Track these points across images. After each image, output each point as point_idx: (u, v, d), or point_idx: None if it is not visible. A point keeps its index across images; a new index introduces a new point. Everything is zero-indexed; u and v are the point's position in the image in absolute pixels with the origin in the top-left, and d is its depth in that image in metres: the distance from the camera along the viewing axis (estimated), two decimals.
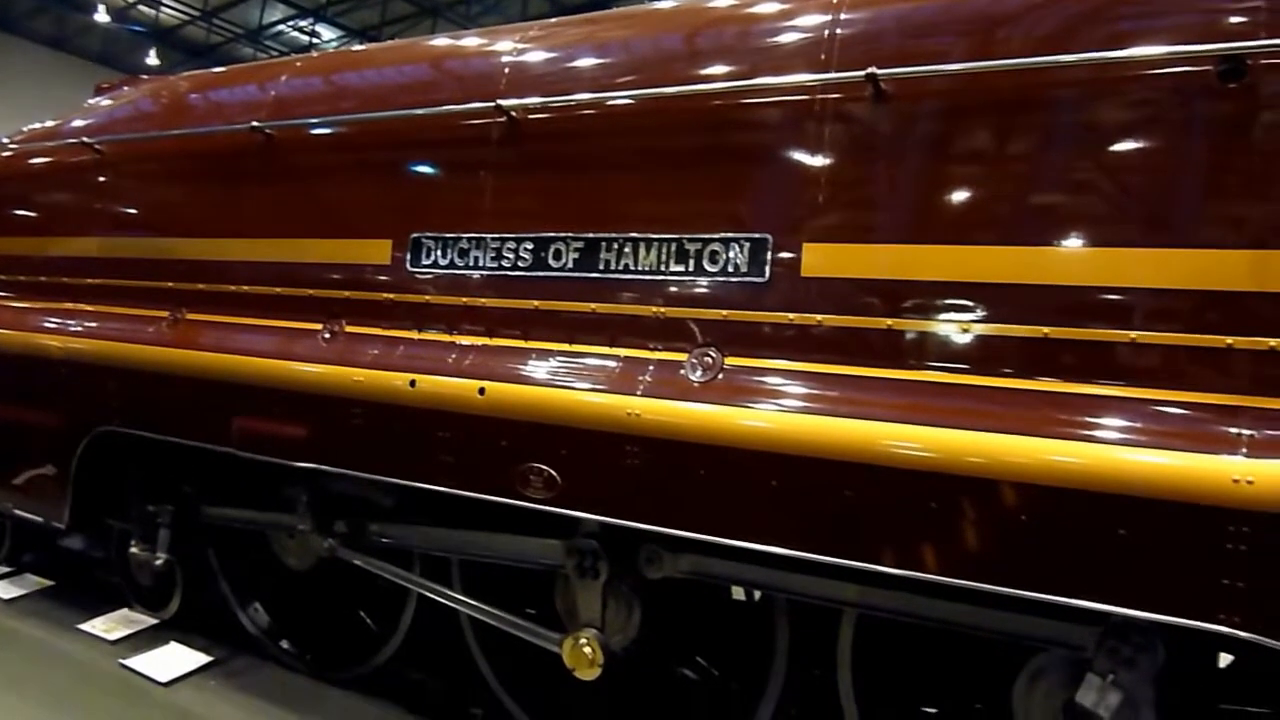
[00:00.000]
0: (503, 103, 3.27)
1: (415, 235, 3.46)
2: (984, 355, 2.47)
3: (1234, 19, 2.30)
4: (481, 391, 3.11)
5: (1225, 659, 2.85)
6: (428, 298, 3.41)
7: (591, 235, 3.10)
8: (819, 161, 2.75)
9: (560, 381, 3.02)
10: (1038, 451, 2.30)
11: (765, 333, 2.75)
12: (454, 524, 3.60)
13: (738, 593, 3.77)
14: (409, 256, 3.47)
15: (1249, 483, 2.09)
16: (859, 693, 3.02)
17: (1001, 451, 2.34)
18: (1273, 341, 2.17)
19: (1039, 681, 2.73)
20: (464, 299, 3.32)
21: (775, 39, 2.93)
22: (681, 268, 2.92)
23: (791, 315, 2.71)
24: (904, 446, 2.45)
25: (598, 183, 3.18)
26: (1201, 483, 2.13)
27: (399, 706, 4.03)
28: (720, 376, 2.77)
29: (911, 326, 2.56)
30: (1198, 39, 2.32)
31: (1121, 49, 2.41)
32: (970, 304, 2.50)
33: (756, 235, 2.80)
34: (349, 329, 3.57)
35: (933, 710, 3.21)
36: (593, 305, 3.06)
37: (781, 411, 2.64)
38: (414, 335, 3.41)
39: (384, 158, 3.64)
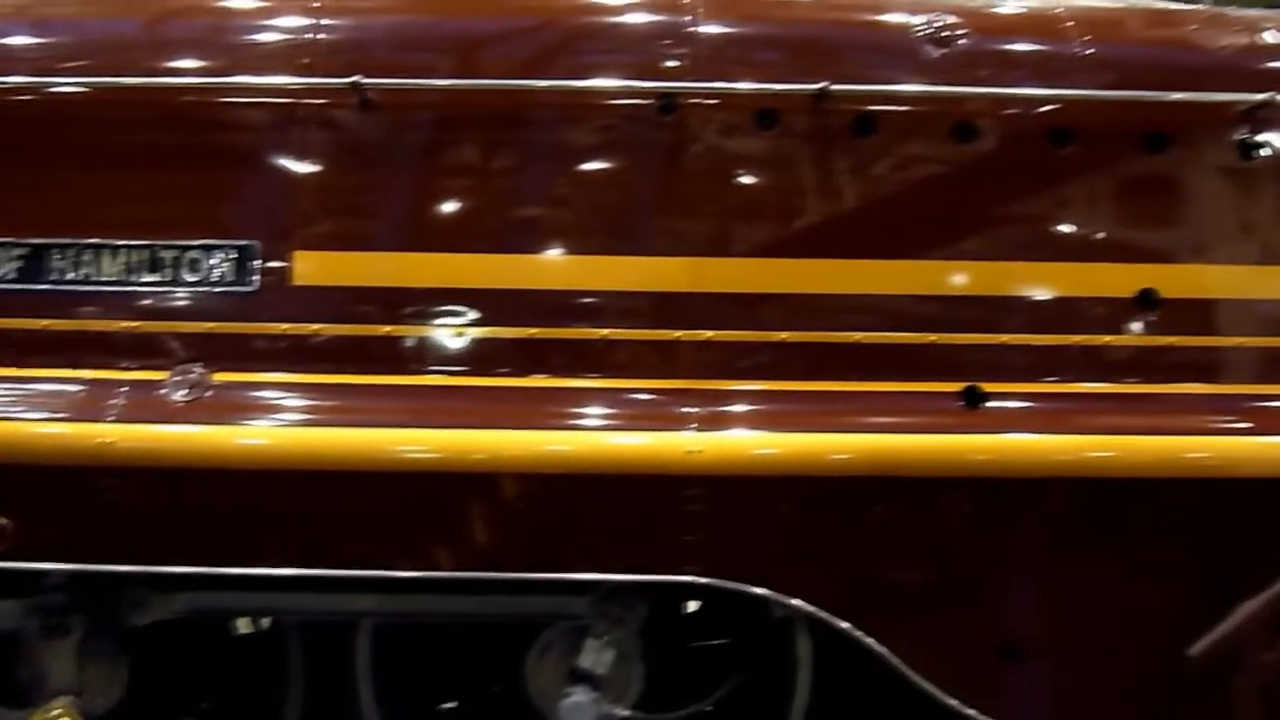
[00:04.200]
0: None
1: None
2: (481, 357, 2.63)
3: (669, 61, 2.73)
4: None
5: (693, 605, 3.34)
6: None
7: (39, 241, 2.68)
8: (306, 168, 2.70)
9: (6, 412, 2.57)
10: (533, 443, 2.52)
11: (257, 345, 2.62)
12: None
13: (246, 624, 3.53)
14: None
15: (699, 452, 2.49)
16: (380, 702, 3.01)
17: (501, 446, 2.51)
18: (709, 333, 2.60)
19: (547, 655, 2.96)
20: None
21: (252, 37, 2.81)
22: (156, 277, 2.66)
23: (285, 326, 2.62)
24: (408, 450, 2.50)
25: (46, 181, 2.77)
26: (663, 456, 2.49)
27: None
28: (208, 394, 2.58)
29: (410, 332, 2.62)
30: (642, 75, 2.71)
31: (585, 79, 2.72)
32: (465, 309, 2.64)
33: (242, 242, 2.66)
34: None
35: (452, 705, 3.31)
36: (44, 321, 2.66)
37: (279, 426, 2.55)
38: None
39: None
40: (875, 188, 2.71)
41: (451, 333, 2.62)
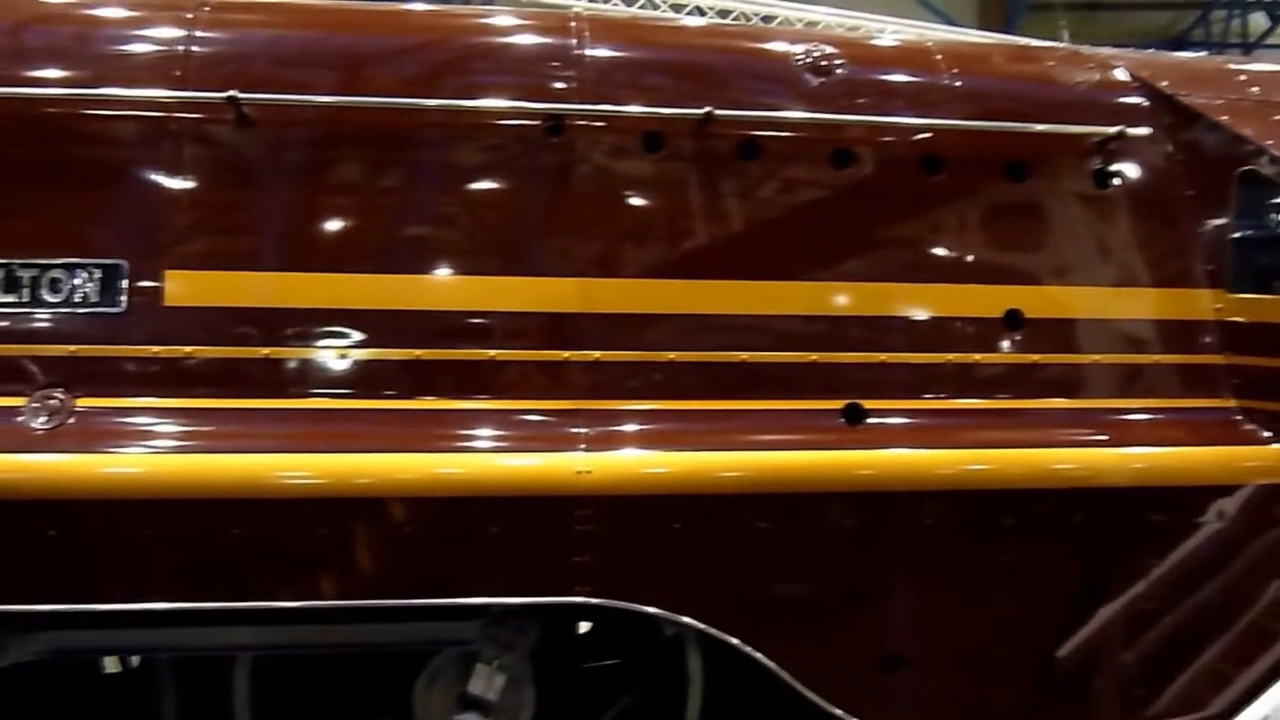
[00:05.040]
0: None
1: None
2: (366, 379, 2.57)
3: (556, 84, 2.74)
4: None
5: (584, 626, 3.33)
6: None
7: None
8: (180, 184, 2.60)
9: None
10: (421, 466, 2.48)
11: (126, 369, 2.51)
12: None
13: (115, 663, 3.34)
14: None
15: (589, 473, 2.49)
16: None
17: (388, 470, 2.46)
18: (597, 354, 2.61)
19: (437, 682, 2.90)
20: None
21: (121, 47, 2.69)
22: (13, 298, 2.52)
23: (156, 348, 2.51)
24: (290, 476, 2.43)
25: None
26: (552, 477, 2.49)
27: None
28: (71, 421, 2.45)
29: (292, 355, 2.56)
30: (529, 97, 2.71)
31: (473, 98, 2.70)
32: (349, 330, 2.58)
33: (109, 261, 2.54)
34: None
35: None
36: None
37: (150, 454, 2.44)
38: None
39: None
40: (759, 210, 2.77)
41: (335, 355, 2.56)
